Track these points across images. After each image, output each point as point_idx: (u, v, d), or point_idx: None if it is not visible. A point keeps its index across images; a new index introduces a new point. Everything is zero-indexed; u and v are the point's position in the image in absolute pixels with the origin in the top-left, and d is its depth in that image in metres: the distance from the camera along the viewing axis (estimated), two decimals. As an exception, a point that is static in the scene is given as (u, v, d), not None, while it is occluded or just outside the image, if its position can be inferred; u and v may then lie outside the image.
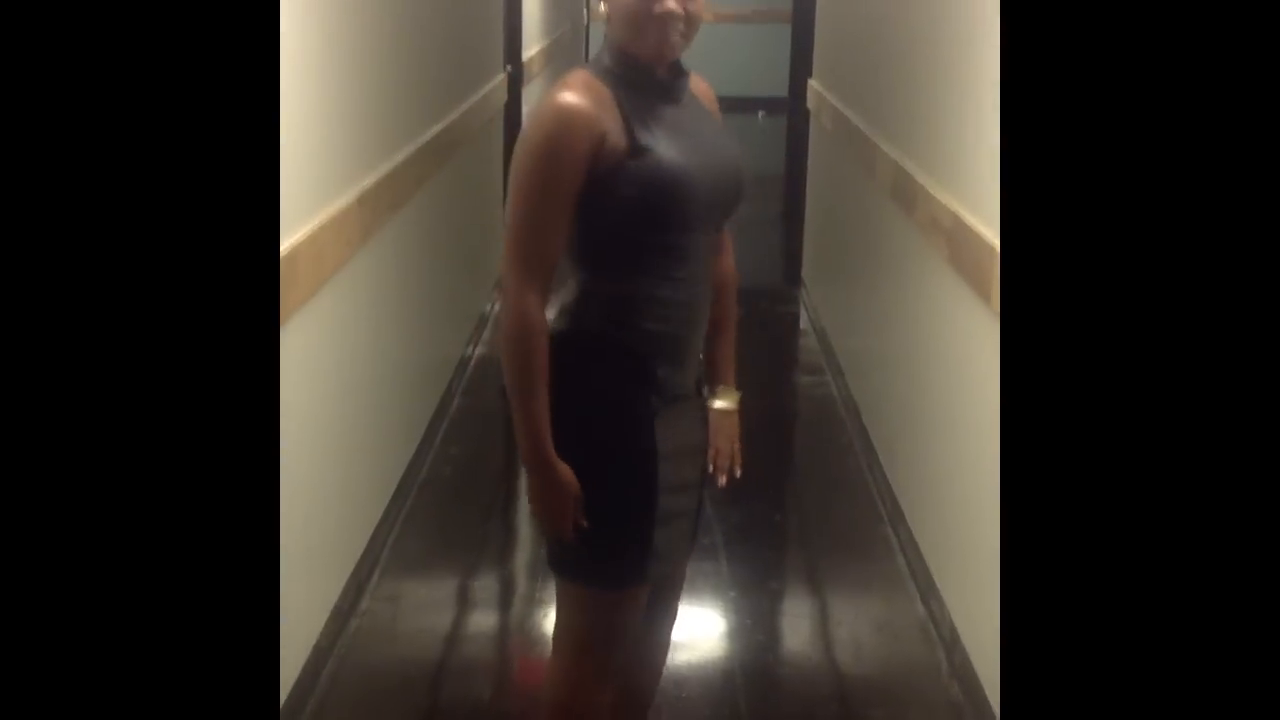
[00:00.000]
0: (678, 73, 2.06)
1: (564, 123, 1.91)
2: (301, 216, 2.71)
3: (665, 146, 1.96)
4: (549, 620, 3.21)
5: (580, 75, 1.99)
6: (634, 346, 2.03)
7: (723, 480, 2.30)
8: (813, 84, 6.11)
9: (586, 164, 1.92)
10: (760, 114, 11.63)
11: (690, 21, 1.98)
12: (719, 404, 2.29)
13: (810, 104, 6.16)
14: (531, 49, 7.32)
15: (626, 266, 2.01)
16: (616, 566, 2.09)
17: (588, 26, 12.18)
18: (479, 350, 5.28)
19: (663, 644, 2.37)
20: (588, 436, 2.02)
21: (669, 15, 1.95)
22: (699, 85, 2.14)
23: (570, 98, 1.92)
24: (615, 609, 2.13)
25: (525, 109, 6.88)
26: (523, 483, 4.20)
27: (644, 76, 2.01)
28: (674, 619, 2.36)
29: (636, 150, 1.94)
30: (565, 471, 2.00)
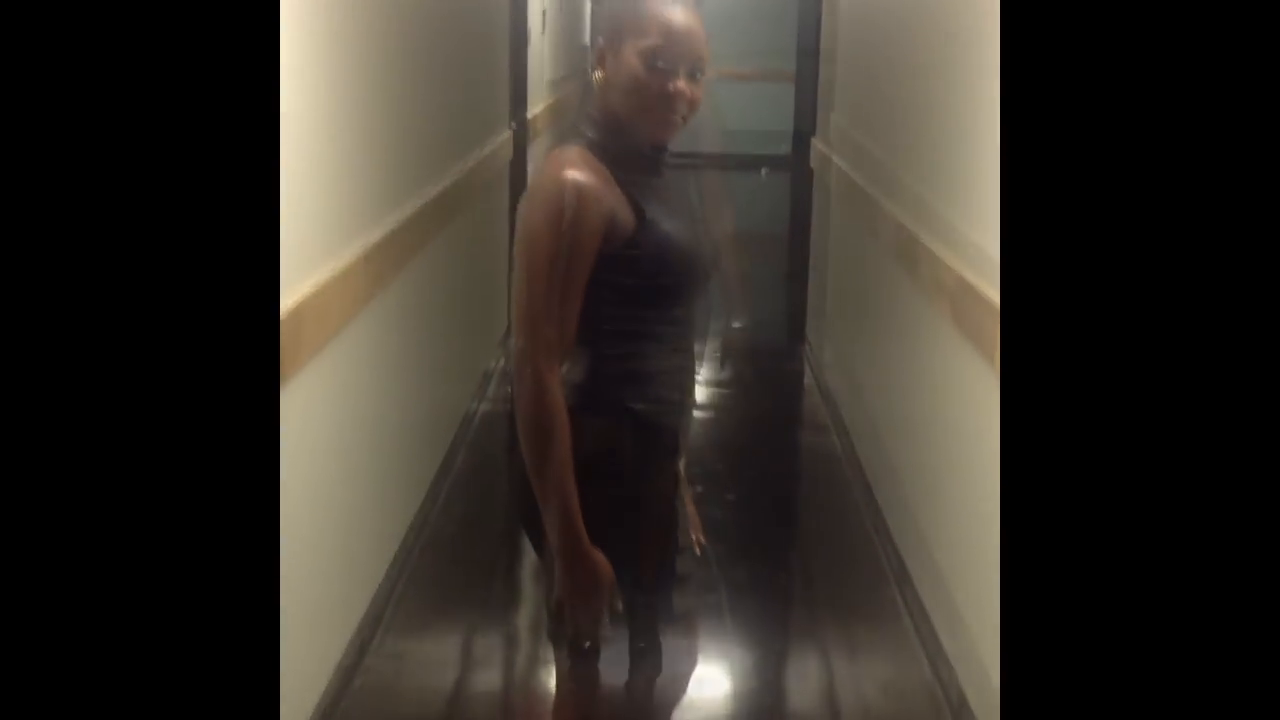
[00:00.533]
0: (663, 146, 2.06)
1: (577, 200, 1.91)
2: (307, 273, 2.72)
3: (666, 222, 1.99)
4: (553, 679, 3.19)
5: (575, 152, 1.99)
6: (653, 417, 2.03)
7: (698, 550, 2.25)
8: (816, 143, 6.14)
9: (599, 242, 1.92)
10: (763, 171, 11.68)
11: (692, 105, 2.00)
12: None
13: (813, 163, 6.19)
14: (537, 106, 7.37)
15: (639, 338, 2.01)
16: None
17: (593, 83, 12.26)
18: (484, 407, 5.27)
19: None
20: (616, 514, 1.99)
21: (678, 96, 1.97)
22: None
23: (578, 176, 1.93)
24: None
25: (530, 166, 6.91)
26: (525, 541, 4.21)
27: (635, 151, 2.02)
28: (692, 670, 2.33)
29: (644, 227, 1.96)
30: (601, 560, 1.94)
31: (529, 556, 4.11)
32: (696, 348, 2.13)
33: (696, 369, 2.12)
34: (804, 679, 3.39)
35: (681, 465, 2.22)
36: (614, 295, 1.97)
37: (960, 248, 3.15)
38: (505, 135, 6.06)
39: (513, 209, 6.26)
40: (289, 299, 2.54)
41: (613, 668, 2.13)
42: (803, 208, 6.57)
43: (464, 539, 4.06)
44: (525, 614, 3.71)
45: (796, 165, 6.81)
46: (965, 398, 3.08)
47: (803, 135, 6.58)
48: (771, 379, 6.07)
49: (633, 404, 2.01)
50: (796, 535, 4.44)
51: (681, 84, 1.96)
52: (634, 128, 2.00)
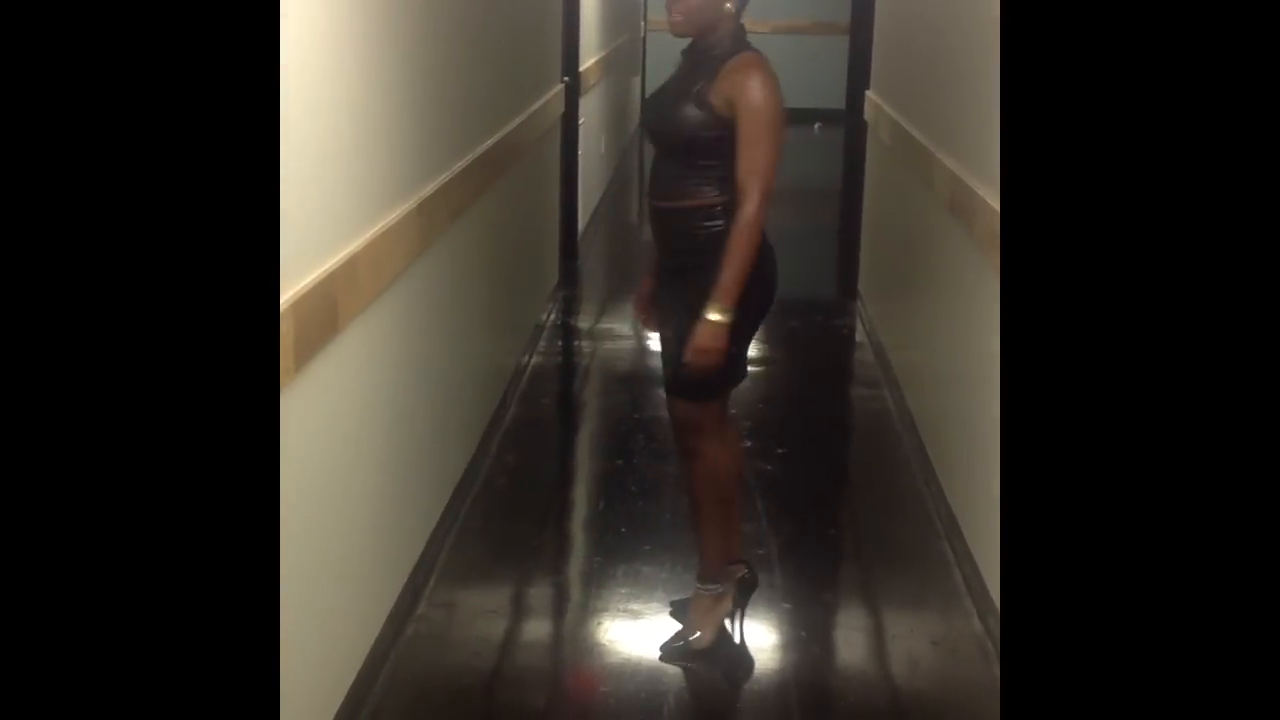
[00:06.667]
0: (695, 53, 2.95)
1: None
2: (362, 225, 2.73)
3: (654, 101, 3.07)
4: (603, 628, 3.22)
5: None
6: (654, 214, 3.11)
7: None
8: (870, 96, 6.08)
9: None
10: (816, 126, 11.59)
11: (688, 10, 2.88)
12: None
13: (867, 116, 6.14)
14: (589, 59, 7.35)
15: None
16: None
17: (645, 38, 12.20)
18: (535, 359, 5.29)
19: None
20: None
21: (671, 6, 2.90)
22: (729, 70, 2.87)
23: None
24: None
25: (582, 120, 6.90)
26: (576, 491, 4.23)
27: (685, 50, 3.01)
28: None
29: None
30: (645, 298, 3.22)
31: (578, 508, 4.15)
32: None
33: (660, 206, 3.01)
34: (854, 631, 3.40)
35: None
36: None
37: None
38: (558, 88, 6.05)
39: (565, 162, 6.32)
40: (344, 249, 2.56)
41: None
42: (856, 161, 6.52)
43: (515, 489, 4.09)
44: (575, 563, 3.74)
45: (850, 118, 6.76)
46: (1018, 351, 3.06)
47: (857, 88, 6.52)
48: (823, 333, 6.05)
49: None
50: (847, 489, 4.44)
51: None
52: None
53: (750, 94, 2.85)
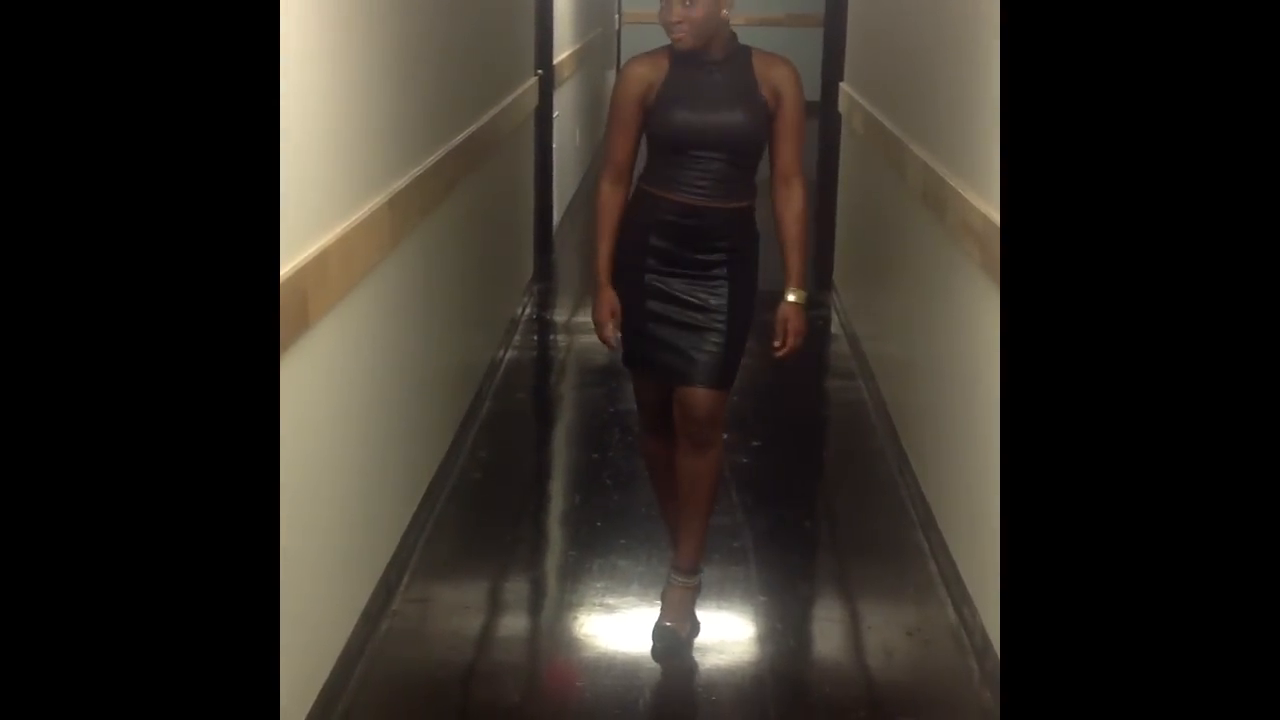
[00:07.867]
0: (707, 57, 2.94)
1: (621, 78, 3.01)
2: (333, 219, 2.71)
3: (678, 105, 2.93)
4: (578, 623, 3.21)
5: (655, 51, 3.00)
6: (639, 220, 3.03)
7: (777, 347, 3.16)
8: (844, 87, 6.09)
9: (636, 106, 2.97)
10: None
11: (693, 22, 2.87)
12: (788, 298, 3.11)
13: (841, 107, 6.14)
14: (563, 53, 7.33)
15: (666, 168, 2.99)
16: (624, 353, 3.14)
17: (619, 31, 12.18)
18: (510, 354, 5.28)
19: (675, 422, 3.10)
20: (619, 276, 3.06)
21: (672, 23, 2.90)
22: (766, 65, 2.98)
23: (632, 62, 3.02)
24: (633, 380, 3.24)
25: (556, 113, 6.89)
26: (552, 485, 4.23)
27: (682, 55, 2.95)
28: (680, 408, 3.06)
29: (659, 105, 2.95)
30: (610, 295, 3.04)
31: (554, 502, 4.14)
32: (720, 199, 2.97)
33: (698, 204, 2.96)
34: (829, 623, 3.40)
35: (790, 295, 3.10)
36: (651, 142, 3.01)
37: (989, 190, 3.13)
38: (531, 82, 6.03)
39: (539, 155, 6.30)
40: (314, 244, 2.55)
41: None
42: (830, 152, 6.52)
43: (490, 484, 4.08)
44: (551, 558, 3.73)
45: (824, 110, 6.75)
46: (993, 341, 3.06)
47: (831, 79, 6.52)
48: (798, 325, 6.04)
49: (635, 211, 3.04)
50: (822, 481, 4.44)
51: (675, 15, 2.87)
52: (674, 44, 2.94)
53: (796, 86, 2.98)
